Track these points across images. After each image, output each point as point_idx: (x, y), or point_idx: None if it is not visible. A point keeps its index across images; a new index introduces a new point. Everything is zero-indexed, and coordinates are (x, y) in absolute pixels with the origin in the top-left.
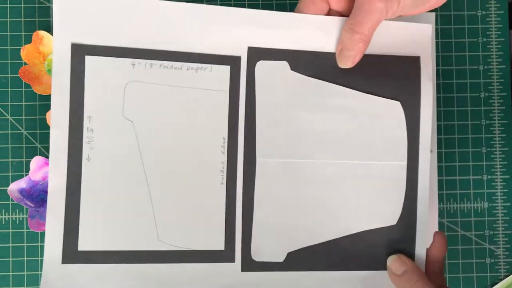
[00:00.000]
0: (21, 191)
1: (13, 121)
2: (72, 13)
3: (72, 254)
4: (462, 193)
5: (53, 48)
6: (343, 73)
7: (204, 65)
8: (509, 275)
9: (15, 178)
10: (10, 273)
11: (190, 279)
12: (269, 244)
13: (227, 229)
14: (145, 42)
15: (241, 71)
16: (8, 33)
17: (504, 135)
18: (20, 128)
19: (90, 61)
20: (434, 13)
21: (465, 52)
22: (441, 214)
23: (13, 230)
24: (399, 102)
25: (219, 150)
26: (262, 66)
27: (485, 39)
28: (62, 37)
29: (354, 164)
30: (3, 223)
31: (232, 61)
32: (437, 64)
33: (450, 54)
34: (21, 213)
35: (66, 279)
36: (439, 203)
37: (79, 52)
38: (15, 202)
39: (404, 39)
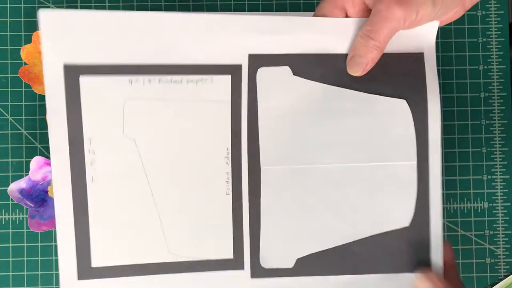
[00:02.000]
0: (21, 191)
1: (13, 121)
2: (61, 32)
3: (86, 270)
4: (462, 193)
5: (44, 71)
6: (346, 75)
7: (204, 76)
8: (509, 275)
9: (15, 178)
10: (10, 273)
11: (200, 287)
12: (277, 251)
13: (235, 238)
14: (141, 57)
15: (242, 79)
16: (8, 33)
17: (504, 135)
18: (20, 128)
19: (85, 81)
20: None
21: (465, 52)
22: None
23: (13, 230)
24: (405, 100)
25: (223, 161)
26: (263, 73)
27: (485, 39)
28: (53, 58)
29: (361, 167)
30: (3, 223)
31: (232, 70)
32: (437, 64)
33: (450, 54)
34: (21, 213)
35: None
36: None
37: (73, 73)
38: (15, 202)
39: (407, 36)
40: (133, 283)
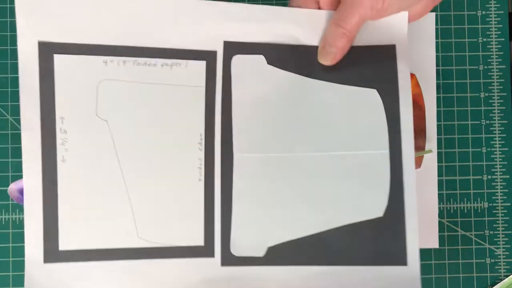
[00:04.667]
0: (21, 191)
1: (13, 121)
2: (37, 9)
3: (53, 253)
4: (462, 193)
5: (18, 47)
6: (319, 67)
7: (179, 61)
8: (509, 275)
9: (15, 178)
10: (10, 273)
11: (170, 274)
12: (249, 239)
13: (206, 225)
14: (116, 38)
15: (217, 66)
16: (8, 33)
17: (504, 135)
18: (20, 128)
19: (59, 60)
20: (434, 13)
21: (465, 52)
22: (441, 214)
23: (13, 230)
24: (375, 90)
25: (196, 147)
26: (238, 61)
27: (485, 39)
28: (27, 35)
29: (334, 156)
30: (3, 223)
31: (208, 56)
32: (437, 64)
33: (450, 54)
34: (21, 213)
35: (50, 278)
36: (439, 203)
37: (47, 51)
38: (15, 202)
39: (378, 28)
40: (101, 268)
